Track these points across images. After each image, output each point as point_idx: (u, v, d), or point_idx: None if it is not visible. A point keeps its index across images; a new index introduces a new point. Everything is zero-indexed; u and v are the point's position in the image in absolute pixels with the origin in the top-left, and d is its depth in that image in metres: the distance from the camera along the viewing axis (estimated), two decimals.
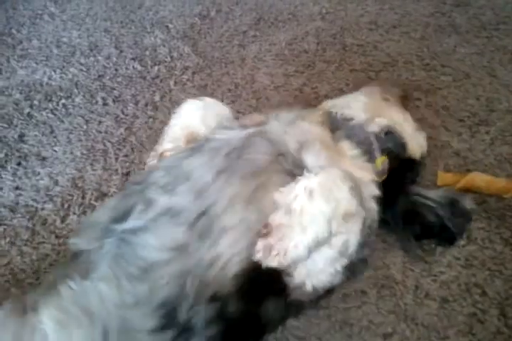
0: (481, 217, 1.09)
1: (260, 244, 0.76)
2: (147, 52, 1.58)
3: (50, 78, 1.47)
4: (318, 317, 0.93)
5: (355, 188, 0.82)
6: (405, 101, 1.18)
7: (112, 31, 1.67)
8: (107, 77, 1.48)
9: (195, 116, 1.01)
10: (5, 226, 1.08)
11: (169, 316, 0.72)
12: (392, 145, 1.00)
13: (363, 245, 0.84)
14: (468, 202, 1.02)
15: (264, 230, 0.77)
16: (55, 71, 1.50)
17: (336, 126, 0.98)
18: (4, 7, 1.76)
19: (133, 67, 1.52)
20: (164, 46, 1.61)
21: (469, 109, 1.36)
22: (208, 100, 1.05)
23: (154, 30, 1.68)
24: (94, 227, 0.81)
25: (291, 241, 0.76)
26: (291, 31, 1.68)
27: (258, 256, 0.75)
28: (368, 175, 0.92)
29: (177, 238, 0.75)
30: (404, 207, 1.00)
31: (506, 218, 1.08)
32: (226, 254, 0.75)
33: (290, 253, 0.76)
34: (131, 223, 0.78)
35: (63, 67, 1.51)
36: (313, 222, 0.77)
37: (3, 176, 1.18)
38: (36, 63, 1.53)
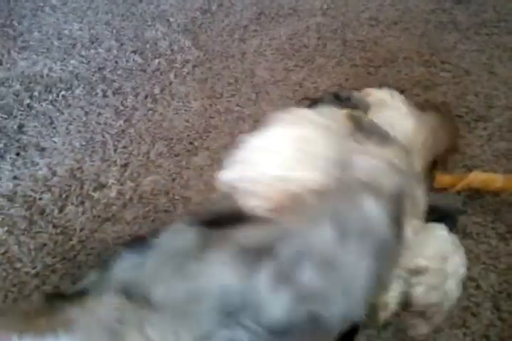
0: (477, 211, 1.09)
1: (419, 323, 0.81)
2: (148, 45, 1.58)
3: (50, 70, 1.47)
4: None
5: None
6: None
7: (113, 24, 1.67)
8: (108, 70, 1.48)
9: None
10: (3, 216, 1.08)
11: None
12: None
13: None
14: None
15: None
16: (55, 63, 1.50)
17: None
18: None
19: (133, 59, 1.52)
20: (165, 39, 1.61)
21: (468, 105, 1.37)
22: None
23: (155, 24, 1.68)
24: None
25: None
26: (292, 26, 1.69)
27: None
28: None
29: None
30: None
31: (502, 213, 1.09)
32: None
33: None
34: None
35: (64, 59, 1.52)
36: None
37: (2, 166, 1.19)
38: (37, 55, 1.53)
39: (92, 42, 1.59)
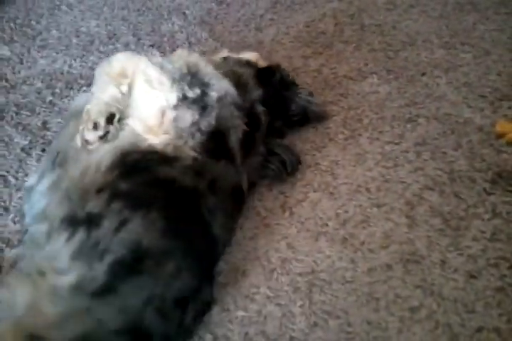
0: (506, 191, 1.08)
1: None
2: (165, 39, 1.59)
3: (70, 67, 1.48)
4: (345, 292, 0.93)
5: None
6: None
7: (130, 19, 1.68)
8: None
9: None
10: None
11: (71, 223, 0.84)
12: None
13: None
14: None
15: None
16: (75, 60, 1.51)
17: None
18: None
19: (151, 53, 1.52)
20: (182, 32, 1.61)
21: (491, 85, 1.35)
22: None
23: (171, 17, 1.68)
24: None
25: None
26: (308, 13, 1.67)
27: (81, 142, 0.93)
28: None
29: (47, 182, 0.92)
30: None
31: None
32: (91, 160, 0.90)
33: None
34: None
35: (83, 55, 1.52)
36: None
37: (28, 162, 1.20)
38: (56, 53, 1.54)
39: (110, 38, 1.59)
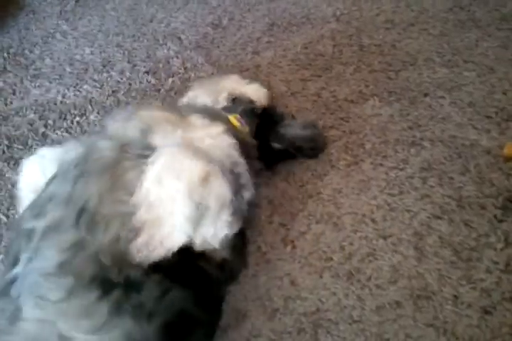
0: None
1: (134, 246, 0.77)
2: (160, 65, 1.55)
3: (63, 96, 1.45)
4: (352, 332, 0.89)
5: (198, 151, 0.85)
6: None
7: (125, 46, 1.65)
8: (121, 92, 1.45)
9: (36, 173, 0.97)
10: None
11: (105, 283, 0.73)
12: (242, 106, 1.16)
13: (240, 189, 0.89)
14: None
15: (133, 233, 0.78)
16: (68, 89, 1.47)
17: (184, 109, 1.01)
18: (17, 28, 1.75)
19: (147, 80, 1.49)
20: (177, 58, 1.58)
21: (497, 105, 1.30)
22: (41, 151, 1.01)
23: (167, 42, 1.65)
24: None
25: (164, 230, 0.78)
26: (306, 35, 1.64)
27: (139, 256, 0.76)
28: (219, 130, 0.93)
29: (68, 239, 0.76)
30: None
31: None
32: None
33: (168, 242, 0.78)
34: (24, 257, 0.77)
35: (77, 84, 1.49)
36: (176, 203, 0.79)
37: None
38: (50, 82, 1.51)
39: (104, 66, 1.56)
